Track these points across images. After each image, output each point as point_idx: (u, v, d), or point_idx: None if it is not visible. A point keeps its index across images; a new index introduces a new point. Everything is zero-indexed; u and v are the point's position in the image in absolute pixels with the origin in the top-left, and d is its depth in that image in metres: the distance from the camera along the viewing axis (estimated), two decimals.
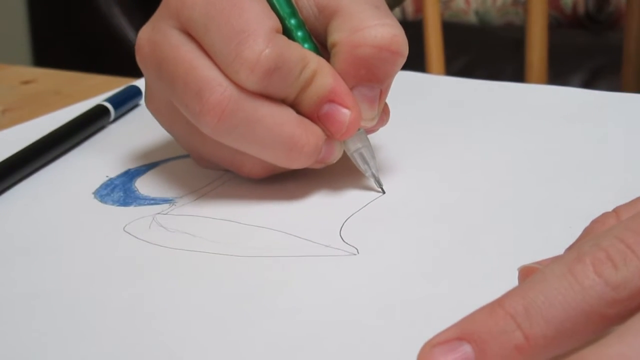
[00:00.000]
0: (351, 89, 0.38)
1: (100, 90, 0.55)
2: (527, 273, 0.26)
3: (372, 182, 0.39)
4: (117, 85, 0.56)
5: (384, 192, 0.39)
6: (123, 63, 1.68)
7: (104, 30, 1.70)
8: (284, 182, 0.41)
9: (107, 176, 0.43)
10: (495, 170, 0.41)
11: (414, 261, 0.33)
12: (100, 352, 0.29)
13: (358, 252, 0.34)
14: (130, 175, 0.43)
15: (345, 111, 0.38)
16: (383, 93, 0.39)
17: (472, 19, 1.67)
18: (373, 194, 0.39)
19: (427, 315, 0.29)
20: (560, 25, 1.60)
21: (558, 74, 1.27)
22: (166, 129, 0.42)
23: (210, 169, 0.42)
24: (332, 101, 0.38)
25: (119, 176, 0.43)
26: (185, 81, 0.37)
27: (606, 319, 0.22)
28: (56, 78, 0.62)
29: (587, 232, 0.27)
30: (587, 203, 0.36)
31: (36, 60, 1.86)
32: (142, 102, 0.54)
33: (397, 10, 2.00)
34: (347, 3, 0.38)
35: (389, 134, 0.45)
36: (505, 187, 0.39)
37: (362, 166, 0.39)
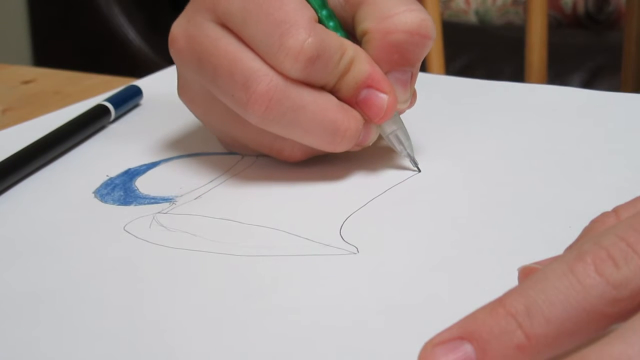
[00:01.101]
0: (385, 74, 0.40)
1: (100, 90, 0.55)
2: (527, 273, 0.26)
3: (408, 162, 0.41)
4: (117, 85, 0.56)
5: (419, 171, 0.41)
6: (123, 63, 1.68)
7: (104, 30, 1.70)
8: (284, 181, 0.41)
9: (107, 175, 0.43)
10: (495, 170, 0.41)
11: (413, 260, 0.33)
12: (100, 351, 0.29)
13: (358, 251, 0.34)
14: (130, 175, 0.43)
15: (383, 96, 0.39)
16: (414, 76, 0.41)
17: (472, 18, 1.67)
18: (372, 194, 0.39)
19: (428, 314, 0.29)
20: (560, 25, 1.60)
21: (558, 74, 1.27)
22: (200, 118, 0.44)
23: (242, 153, 0.44)
24: (369, 86, 0.39)
25: (119, 175, 0.43)
26: (230, 72, 0.38)
27: (607, 317, 0.22)
28: (56, 78, 0.62)
29: (587, 232, 0.27)
30: (587, 203, 0.36)
31: (36, 60, 1.86)
32: (142, 102, 0.54)
33: None
34: None
35: None
36: (505, 186, 0.39)
37: (397, 147, 0.41)
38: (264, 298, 0.31)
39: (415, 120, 0.47)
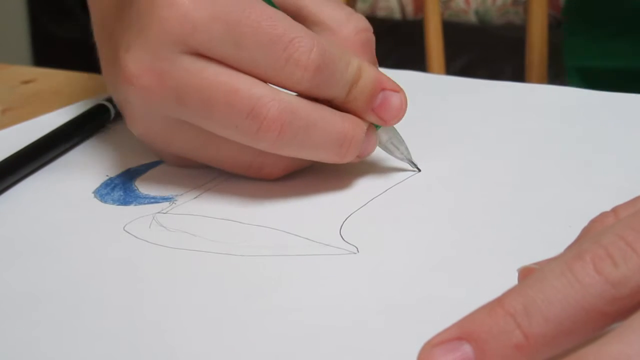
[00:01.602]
0: None
1: (100, 90, 0.55)
2: (526, 274, 0.26)
3: (407, 165, 0.41)
4: None
5: (419, 170, 0.41)
6: None
7: None
8: (283, 181, 0.41)
9: (107, 175, 0.43)
10: (495, 169, 0.41)
11: (413, 260, 0.33)
12: (100, 351, 0.29)
13: (358, 251, 0.34)
14: (130, 175, 0.43)
15: (398, 95, 0.39)
16: None
17: (472, 18, 1.67)
18: (372, 193, 0.39)
19: (427, 314, 0.29)
20: (560, 25, 1.60)
21: (558, 74, 1.27)
22: (159, 148, 0.42)
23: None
24: (384, 89, 0.39)
25: (119, 175, 0.43)
26: (228, 104, 0.37)
27: (606, 316, 0.22)
28: (56, 78, 0.62)
29: (586, 232, 0.27)
30: (586, 203, 0.36)
31: (36, 60, 1.86)
32: None
33: (397, 10, 2.00)
34: (307, 4, 0.41)
35: None
36: (504, 186, 0.39)
37: (396, 154, 0.41)
38: (263, 298, 0.31)
39: (415, 120, 0.47)
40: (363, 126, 0.39)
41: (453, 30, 1.19)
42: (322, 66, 0.37)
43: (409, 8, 1.80)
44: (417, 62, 0.94)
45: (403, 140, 0.41)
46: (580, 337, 0.22)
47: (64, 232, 0.37)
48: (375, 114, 0.39)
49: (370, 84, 0.39)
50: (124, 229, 0.37)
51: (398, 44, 1.97)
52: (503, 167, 0.41)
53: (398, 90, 0.39)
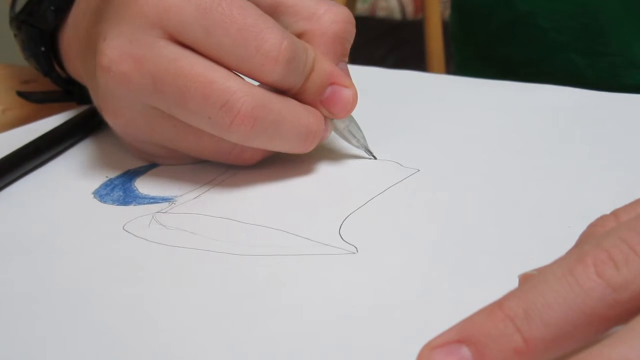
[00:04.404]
0: None
1: None
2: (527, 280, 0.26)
3: (363, 153, 0.43)
4: None
5: (375, 158, 0.42)
6: None
7: None
8: (283, 181, 0.41)
9: (106, 177, 0.43)
10: (495, 169, 0.41)
11: (413, 260, 0.33)
12: (100, 351, 0.29)
13: (357, 251, 0.34)
14: (129, 175, 0.43)
15: (348, 90, 0.40)
16: (346, 63, 0.43)
17: None
18: (371, 193, 0.39)
19: (426, 314, 0.29)
20: None
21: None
22: (140, 140, 0.42)
23: (179, 163, 0.43)
24: (333, 83, 0.40)
25: (118, 176, 0.43)
26: (203, 95, 0.37)
27: (607, 320, 0.22)
28: None
29: (587, 235, 0.27)
30: (586, 203, 0.36)
31: None
32: None
33: (397, 10, 2.00)
34: None
35: (390, 133, 0.45)
36: (504, 186, 0.39)
37: (353, 141, 0.42)
38: (263, 297, 0.31)
39: (415, 120, 0.47)
40: (322, 117, 0.40)
41: None
42: (291, 59, 0.38)
43: (409, 8, 1.79)
44: (417, 62, 0.94)
45: (360, 129, 0.42)
46: (580, 341, 0.22)
47: (64, 232, 0.37)
48: (323, 106, 0.40)
49: (321, 76, 0.40)
50: (124, 228, 0.37)
51: (398, 44, 1.97)
52: (503, 167, 0.41)
53: (348, 85, 0.40)
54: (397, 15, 2.01)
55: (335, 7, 0.41)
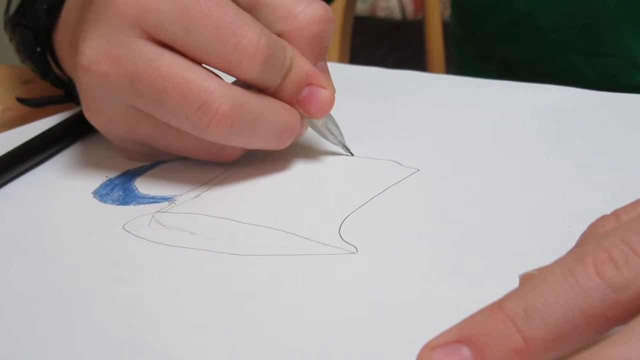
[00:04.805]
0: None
1: None
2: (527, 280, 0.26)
3: (340, 150, 0.43)
4: None
5: (352, 155, 0.43)
6: None
7: None
8: (283, 180, 0.41)
9: (106, 177, 0.43)
10: (495, 169, 0.41)
11: (413, 260, 0.33)
12: (99, 350, 0.29)
13: (357, 251, 0.34)
14: (129, 175, 0.43)
15: (324, 91, 0.41)
16: (326, 61, 0.43)
17: None
18: (371, 193, 0.39)
19: (426, 314, 0.29)
20: None
21: None
22: (117, 137, 0.42)
23: (159, 160, 0.44)
24: (310, 84, 0.40)
25: (118, 176, 0.43)
26: (181, 95, 0.37)
27: (607, 320, 0.22)
28: None
29: (588, 235, 0.27)
30: (586, 203, 0.36)
31: None
32: None
33: (397, 10, 2.00)
34: None
35: (389, 133, 0.45)
36: (504, 186, 0.39)
37: (330, 137, 0.43)
38: (263, 297, 0.31)
39: (415, 120, 0.47)
40: (298, 115, 0.41)
41: None
42: (269, 56, 0.38)
43: (409, 8, 1.79)
44: (417, 62, 0.94)
45: (337, 126, 0.43)
46: (580, 341, 0.22)
47: (63, 231, 0.37)
48: (300, 106, 0.41)
49: (298, 77, 0.40)
50: (123, 228, 0.37)
51: (398, 44, 1.97)
52: (503, 167, 0.41)
53: (325, 86, 0.41)
54: (397, 15, 2.01)
55: (312, 4, 0.41)
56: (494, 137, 0.44)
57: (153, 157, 0.43)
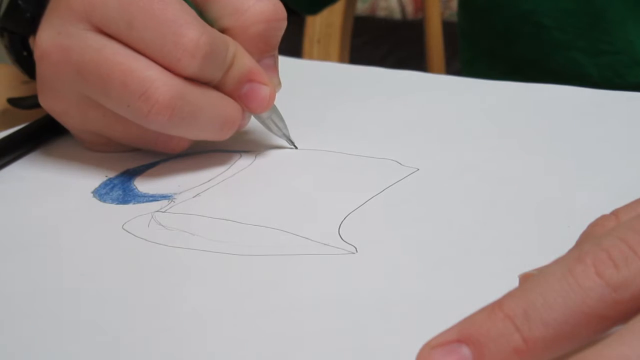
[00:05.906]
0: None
1: None
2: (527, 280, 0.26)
3: (285, 142, 0.44)
4: None
5: (296, 148, 0.44)
6: None
7: None
8: (282, 180, 0.41)
9: (106, 176, 0.43)
10: (494, 169, 0.41)
11: (412, 260, 0.33)
12: (98, 350, 0.29)
13: (356, 251, 0.34)
14: (129, 175, 0.43)
15: (265, 88, 0.41)
16: (276, 57, 0.44)
17: None
18: (370, 193, 0.39)
19: (426, 314, 0.29)
20: None
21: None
22: (71, 126, 0.44)
23: (114, 151, 0.45)
24: (251, 80, 0.41)
25: (117, 175, 0.43)
26: (123, 83, 0.38)
27: (607, 320, 0.22)
28: None
29: (587, 235, 0.27)
30: (586, 203, 0.36)
31: None
32: None
33: (397, 10, 2.00)
34: None
35: (389, 133, 0.45)
36: (503, 186, 0.39)
37: (274, 130, 0.44)
38: (262, 297, 0.31)
39: (415, 120, 0.47)
40: (240, 109, 0.42)
41: (453, 30, 1.19)
42: (208, 54, 0.39)
43: (409, 8, 1.79)
44: (417, 62, 0.94)
45: (282, 118, 0.44)
46: (580, 341, 0.22)
47: (63, 231, 0.37)
48: (241, 102, 0.41)
49: (239, 73, 0.41)
50: (123, 228, 0.37)
51: (398, 44, 1.97)
52: (502, 167, 0.41)
53: (267, 83, 0.42)
54: (397, 15, 2.01)
55: (262, 1, 0.41)
56: (495, 137, 0.44)
57: (110, 148, 0.44)
